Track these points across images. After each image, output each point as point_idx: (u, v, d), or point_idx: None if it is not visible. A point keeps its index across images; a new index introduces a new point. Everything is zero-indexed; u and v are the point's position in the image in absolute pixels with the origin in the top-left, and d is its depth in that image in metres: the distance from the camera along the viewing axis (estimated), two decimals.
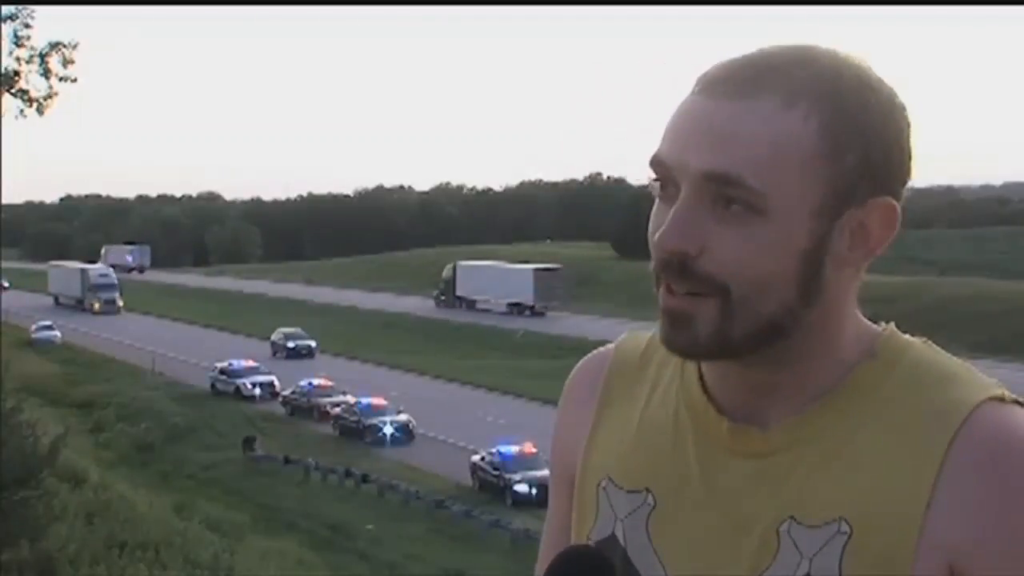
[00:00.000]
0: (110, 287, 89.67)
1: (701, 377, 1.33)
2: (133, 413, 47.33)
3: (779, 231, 1.19)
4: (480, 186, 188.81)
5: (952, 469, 1.18)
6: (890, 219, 1.23)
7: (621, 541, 1.33)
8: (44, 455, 21.37)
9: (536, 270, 73.04)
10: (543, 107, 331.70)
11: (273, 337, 65.42)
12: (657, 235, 1.21)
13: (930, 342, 1.31)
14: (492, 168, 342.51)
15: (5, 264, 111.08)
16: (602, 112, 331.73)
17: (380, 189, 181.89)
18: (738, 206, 1.19)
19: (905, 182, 1.25)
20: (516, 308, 74.00)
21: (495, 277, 75.03)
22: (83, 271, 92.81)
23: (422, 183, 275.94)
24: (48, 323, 72.27)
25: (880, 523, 1.19)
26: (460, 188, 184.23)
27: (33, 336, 69.04)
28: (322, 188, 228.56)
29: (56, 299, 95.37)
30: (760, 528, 1.25)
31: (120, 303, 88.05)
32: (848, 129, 1.20)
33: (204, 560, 25.12)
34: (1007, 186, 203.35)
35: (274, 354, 63.07)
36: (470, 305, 77.81)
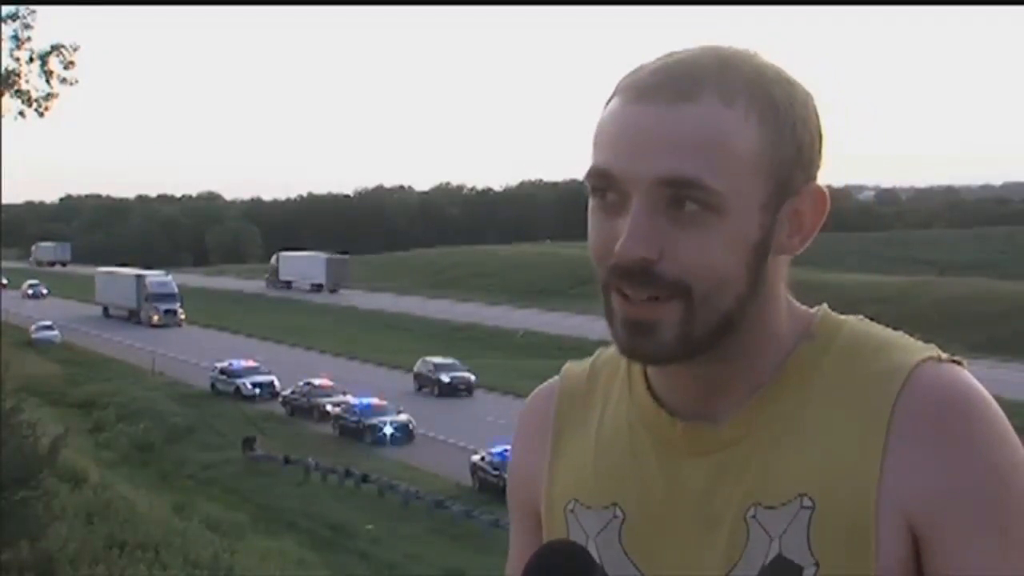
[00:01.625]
0: (170, 296, 78.84)
1: (649, 386, 1.35)
2: (133, 413, 47.28)
3: (735, 228, 1.22)
4: (480, 186, 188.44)
5: (898, 430, 1.22)
6: (820, 202, 1.28)
7: (596, 559, 1.34)
8: (44, 455, 21.39)
9: (327, 258, 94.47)
10: (543, 107, 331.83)
11: (418, 367, 52.67)
12: (618, 245, 1.22)
13: (864, 318, 1.34)
14: (492, 168, 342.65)
15: (5, 264, 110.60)
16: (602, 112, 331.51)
17: (380, 189, 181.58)
18: (694, 207, 1.21)
19: (820, 166, 1.29)
20: (316, 287, 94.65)
21: (302, 264, 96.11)
22: (138, 278, 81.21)
23: (422, 183, 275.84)
24: (48, 323, 72.14)
25: (840, 492, 1.22)
26: (460, 188, 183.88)
27: (33, 336, 68.97)
28: (322, 188, 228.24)
29: (105, 310, 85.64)
30: (728, 520, 1.27)
31: (182, 315, 77.95)
32: (782, 122, 1.24)
33: (204, 560, 25.12)
34: (1007, 186, 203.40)
35: (419, 388, 51.53)
36: (288, 286, 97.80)
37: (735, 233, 1.22)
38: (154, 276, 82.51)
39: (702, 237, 1.21)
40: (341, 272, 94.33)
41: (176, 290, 79.85)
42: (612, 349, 1.34)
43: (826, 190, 1.28)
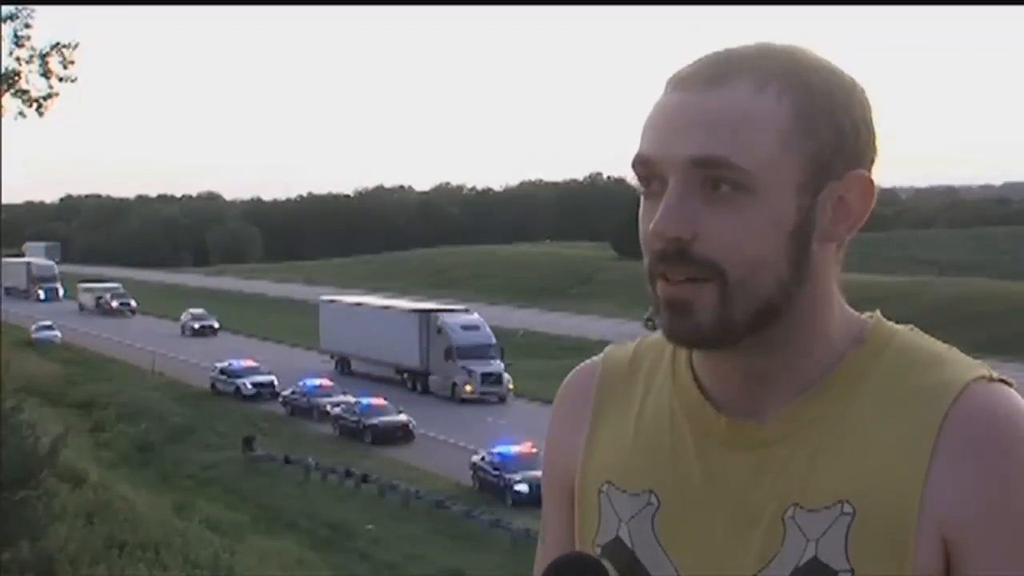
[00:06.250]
0: (484, 349, 48.98)
1: (695, 376, 1.35)
2: (133, 413, 47.26)
3: (768, 209, 1.23)
4: (480, 186, 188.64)
5: (945, 447, 1.22)
6: (867, 191, 1.29)
7: (627, 543, 1.35)
8: (44, 455, 21.40)
9: (45, 246, 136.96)
10: (543, 107, 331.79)
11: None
12: (652, 225, 1.24)
13: (916, 329, 1.35)
14: (492, 168, 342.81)
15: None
16: (602, 112, 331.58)
17: (380, 189, 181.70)
18: (727, 187, 1.23)
19: (874, 159, 1.30)
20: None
21: (34, 251, 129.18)
22: (423, 316, 51.56)
23: (422, 183, 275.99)
24: (48, 323, 72.05)
25: (881, 503, 1.22)
26: (460, 188, 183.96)
27: (33, 336, 68.94)
28: (322, 188, 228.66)
29: (342, 363, 56.25)
30: (766, 518, 1.27)
31: (510, 383, 48.06)
32: (818, 107, 1.26)
33: (204, 560, 25.15)
34: (1007, 186, 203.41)
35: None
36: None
37: (770, 214, 1.23)
38: (455, 317, 51.74)
39: (735, 217, 1.23)
40: (53, 258, 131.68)
41: (492, 338, 49.87)
42: (656, 335, 1.35)
43: (873, 178, 1.29)
